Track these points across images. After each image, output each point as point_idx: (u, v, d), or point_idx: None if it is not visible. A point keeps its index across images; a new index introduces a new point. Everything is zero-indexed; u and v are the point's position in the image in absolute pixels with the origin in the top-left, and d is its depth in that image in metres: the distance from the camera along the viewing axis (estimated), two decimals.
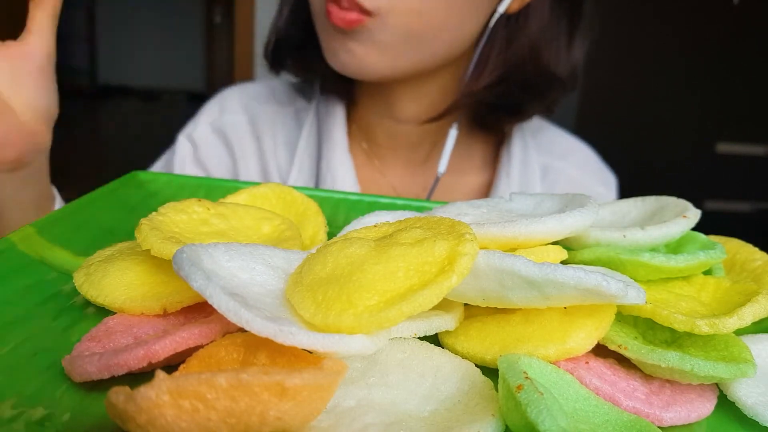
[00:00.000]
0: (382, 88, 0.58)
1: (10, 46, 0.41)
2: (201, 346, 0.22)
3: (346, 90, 0.61)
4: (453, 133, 0.58)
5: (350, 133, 0.63)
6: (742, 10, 1.66)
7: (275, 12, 0.61)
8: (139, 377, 0.22)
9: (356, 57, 0.51)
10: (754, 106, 1.75)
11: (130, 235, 0.31)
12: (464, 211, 0.31)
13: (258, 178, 0.64)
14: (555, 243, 0.28)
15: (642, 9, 1.67)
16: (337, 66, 0.52)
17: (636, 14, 1.67)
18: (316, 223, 0.34)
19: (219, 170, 0.64)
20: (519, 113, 0.60)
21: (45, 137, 0.43)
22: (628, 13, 1.67)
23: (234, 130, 0.65)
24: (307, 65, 0.61)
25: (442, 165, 0.58)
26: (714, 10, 1.66)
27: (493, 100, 0.58)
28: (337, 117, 0.62)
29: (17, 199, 0.43)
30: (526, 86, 0.58)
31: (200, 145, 0.65)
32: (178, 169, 0.64)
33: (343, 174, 0.60)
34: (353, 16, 0.48)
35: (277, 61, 0.62)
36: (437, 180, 0.58)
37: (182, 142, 0.66)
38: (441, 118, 0.57)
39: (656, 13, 1.68)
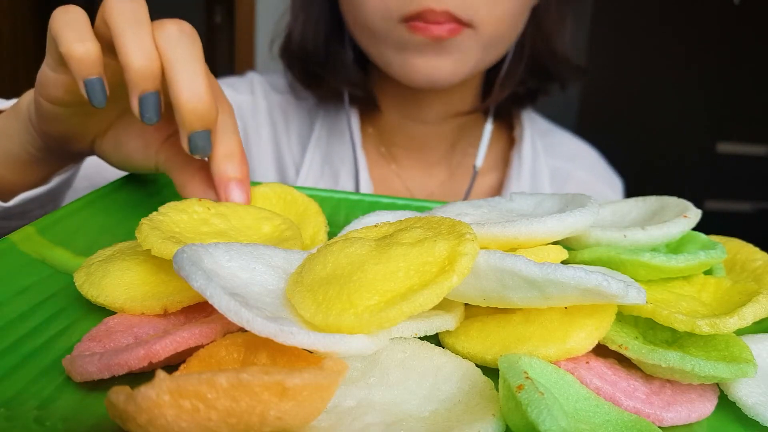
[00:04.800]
0: (416, 92, 0.58)
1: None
2: (201, 346, 0.22)
3: (369, 98, 0.61)
4: (488, 128, 0.60)
5: (366, 136, 0.64)
6: (742, 11, 1.66)
7: (293, 20, 0.60)
8: (139, 377, 0.22)
9: (439, 70, 0.51)
10: (754, 106, 1.74)
11: (130, 235, 0.31)
12: (464, 211, 0.31)
13: (272, 165, 0.64)
14: (555, 243, 0.28)
15: (643, 9, 1.67)
16: (414, 81, 0.52)
17: (637, 14, 1.67)
18: (316, 223, 0.34)
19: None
20: (534, 98, 0.63)
21: None
22: (629, 13, 1.67)
23: (253, 113, 0.65)
24: (331, 83, 0.60)
25: (479, 159, 0.60)
26: (714, 10, 1.66)
27: (521, 90, 0.60)
28: (352, 117, 0.62)
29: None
30: (543, 72, 0.60)
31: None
32: None
33: (358, 172, 0.60)
34: (449, 26, 0.48)
35: (300, 75, 0.62)
36: (475, 175, 0.59)
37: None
38: (474, 112, 0.59)
39: (657, 13, 1.67)
